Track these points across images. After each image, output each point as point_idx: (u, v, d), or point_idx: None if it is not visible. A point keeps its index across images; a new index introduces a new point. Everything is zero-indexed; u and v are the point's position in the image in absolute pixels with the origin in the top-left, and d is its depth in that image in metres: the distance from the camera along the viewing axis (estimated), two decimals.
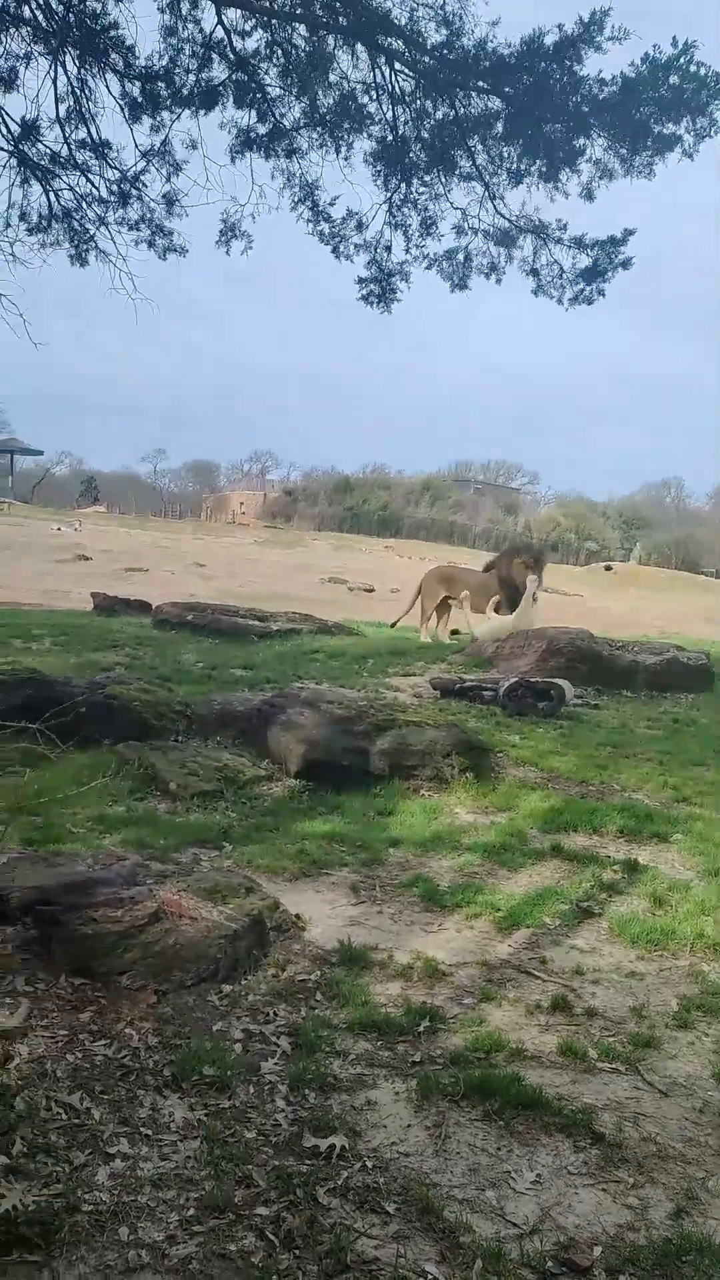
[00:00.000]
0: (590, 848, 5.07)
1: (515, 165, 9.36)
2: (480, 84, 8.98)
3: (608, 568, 44.72)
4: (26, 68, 9.53)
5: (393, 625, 13.60)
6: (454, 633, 12.95)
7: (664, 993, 3.59)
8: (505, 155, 9.41)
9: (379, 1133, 2.69)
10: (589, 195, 9.26)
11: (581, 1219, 2.40)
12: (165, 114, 9.55)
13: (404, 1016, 3.27)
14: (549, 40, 8.51)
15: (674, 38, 8.75)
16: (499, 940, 3.96)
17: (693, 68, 8.83)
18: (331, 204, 10.38)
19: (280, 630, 11.55)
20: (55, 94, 9.45)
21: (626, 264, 9.68)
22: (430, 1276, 2.17)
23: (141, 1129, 2.63)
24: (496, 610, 11.58)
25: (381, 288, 10.61)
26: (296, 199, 10.32)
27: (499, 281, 10.48)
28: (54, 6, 9.06)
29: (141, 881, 3.75)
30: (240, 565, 30.02)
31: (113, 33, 9.26)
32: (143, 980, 3.30)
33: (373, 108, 9.60)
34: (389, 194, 10.04)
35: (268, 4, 9.08)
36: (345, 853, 4.82)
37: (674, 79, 8.71)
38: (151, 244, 10.51)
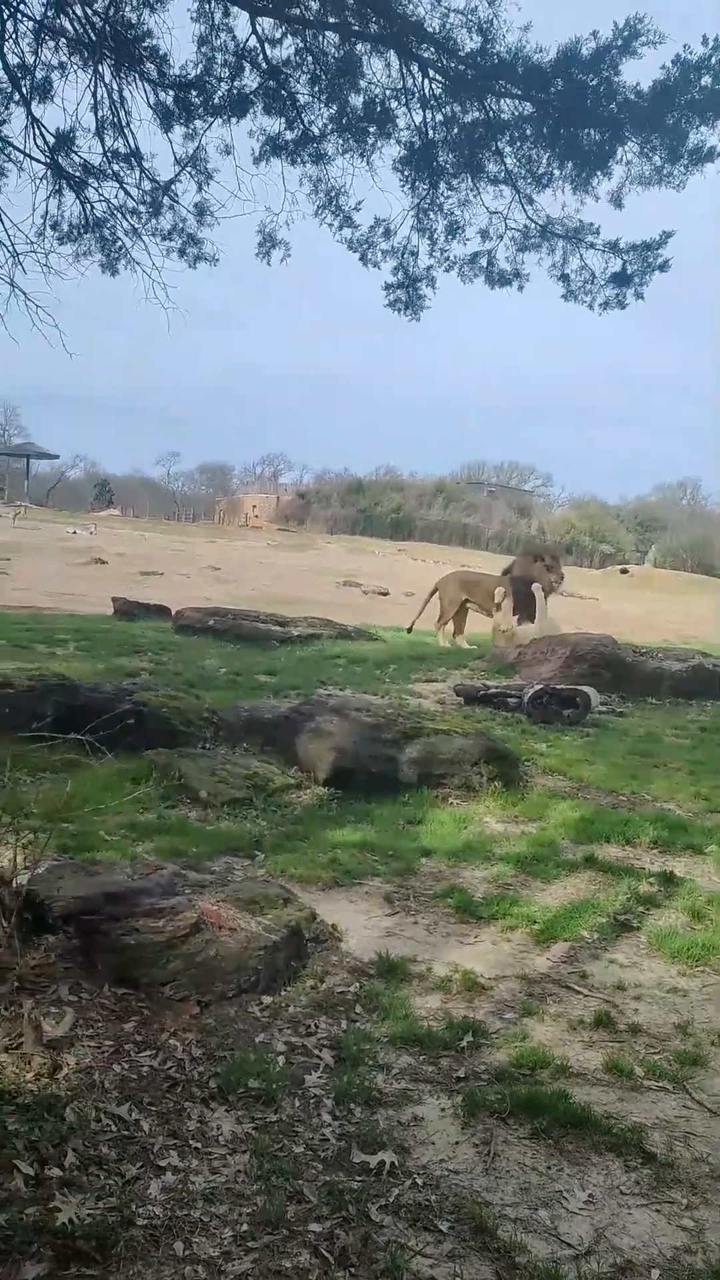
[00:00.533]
0: (624, 859, 5.05)
1: (546, 170, 9.32)
2: (513, 89, 8.96)
3: (624, 570, 44.61)
4: (63, 78, 9.59)
5: (409, 630, 13.58)
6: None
7: (708, 1009, 3.56)
8: (535, 160, 9.38)
9: (427, 1149, 2.68)
10: (618, 202, 9.23)
11: (636, 1240, 2.39)
12: (199, 122, 9.60)
13: (446, 1030, 3.26)
14: (585, 50, 8.47)
15: (704, 36, 8.66)
16: (537, 953, 3.94)
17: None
18: (357, 208, 10.39)
19: (301, 635, 11.55)
20: (94, 103, 9.50)
21: (664, 267, 9.61)
22: None
23: (191, 1141, 2.63)
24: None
25: (409, 294, 10.60)
26: (321, 204, 10.33)
27: (520, 289, 10.48)
28: (92, 18, 9.09)
29: (180, 891, 3.75)
30: (254, 569, 30.06)
31: (147, 42, 9.29)
32: (185, 991, 3.30)
33: (401, 113, 9.62)
34: (417, 199, 10.03)
35: (300, 13, 9.08)
36: (377, 862, 4.81)
37: (706, 79, 8.65)
38: (183, 253, 10.53)
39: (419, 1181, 2.54)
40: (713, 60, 8.40)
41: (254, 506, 69.09)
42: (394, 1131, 2.74)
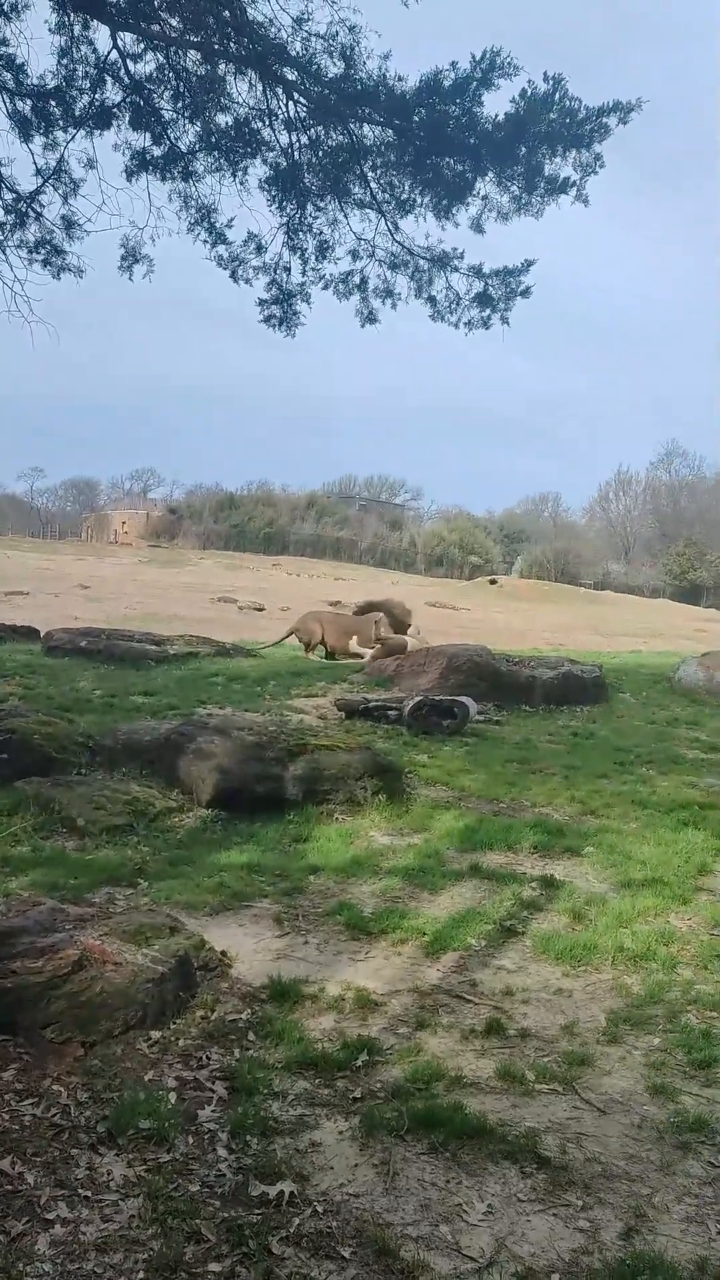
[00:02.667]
0: (507, 865, 5.14)
1: (409, 195, 9.51)
2: (373, 115, 9.10)
3: (492, 581, 45.61)
4: None
5: (278, 643, 13.85)
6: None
7: (592, 1008, 3.65)
8: (398, 185, 9.55)
9: (327, 1175, 2.65)
10: (479, 228, 9.50)
11: (536, 1246, 2.41)
12: (59, 133, 9.39)
13: (341, 1051, 3.24)
14: (446, 81, 8.67)
15: (544, 72, 9.05)
16: (428, 965, 3.96)
17: (568, 102, 9.15)
18: (230, 225, 10.35)
19: (178, 654, 11.36)
20: None
21: (525, 293, 9.94)
22: None
23: (80, 1190, 2.53)
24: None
25: (284, 310, 10.60)
26: (193, 221, 10.25)
27: (394, 307, 10.62)
28: None
29: (60, 928, 3.61)
30: (126, 586, 29.43)
31: (2, 50, 9.03)
32: (69, 1032, 3.18)
33: (267, 134, 9.62)
34: (284, 219, 10.05)
35: (161, 29, 8.99)
36: (265, 883, 4.76)
37: (553, 114, 9.00)
38: (47, 264, 10.25)
39: (319, 1209, 2.50)
40: (556, 96, 8.75)
41: (124, 523, 67.69)
42: (292, 1160, 2.70)
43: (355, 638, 13.00)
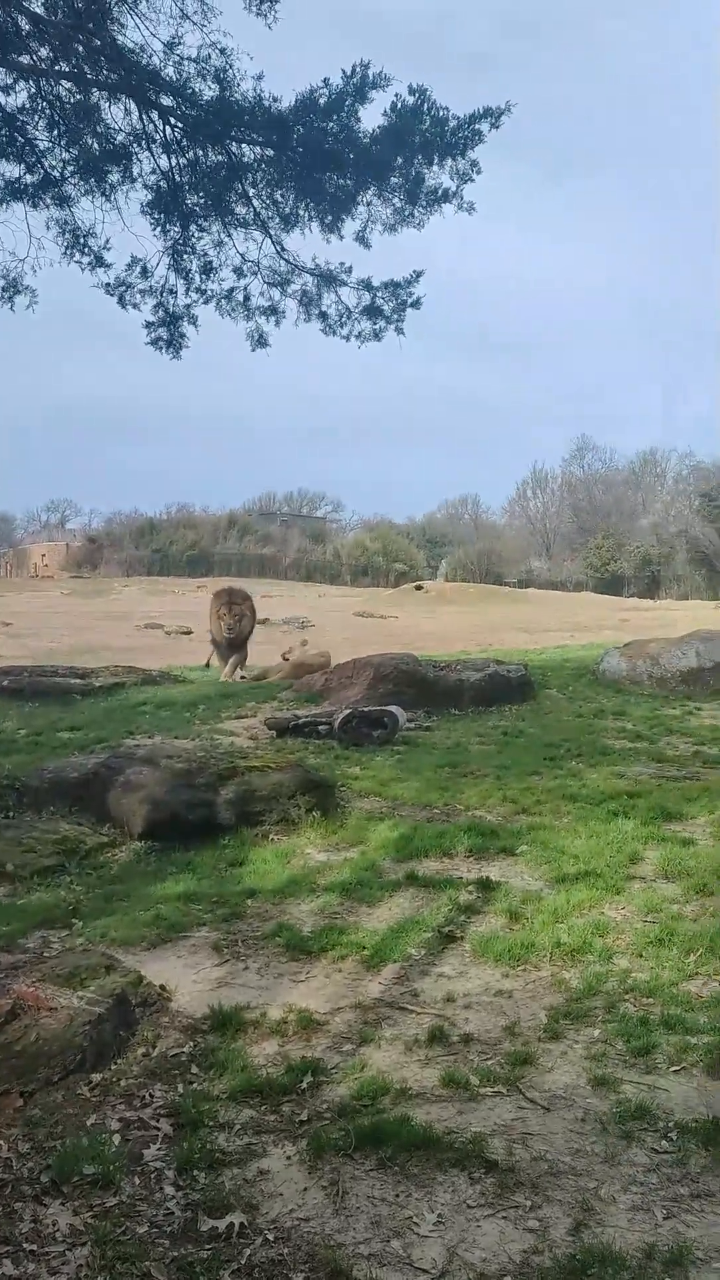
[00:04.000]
0: (443, 871, 5.17)
1: (292, 211, 9.59)
2: (253, 136, 9.16)
3: (418, 587, 45.88)
4: None
5: (206, 665, 13.79)
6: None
7: (532, 1007, 3.70)
8: (280, 202, 9.62)
9: (276, 1202, 2.64)
10: (365, 243, 9.62)
11: (487, 1251, 2.43)
12: None
13: (285, 1075, 3.23)
14: (320, 98, 8.77)
15: (410, 84, 9.23)
16: (369, 979, 3.97)
17: (437, 111, 9.30)
18: (107, 247, 10.30)
19: (104, 685, 11.21)
20: None
21: (416, 304, 10.09)
22: None
23: (25, 1244, 2.48)
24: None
25: (170, 332, 10.58)
26: (69, 244, 10.17)
27: (278, 324, 10.69)
28: None
29: None
30: (49, 620, 28.94)
31: None
32: (6, 1083, 3.12)
33: (145, 158, 9.62)
34: (168, 241, 10.05)
35: (31, 60, 8.93)
36: (202, 911, 4.72)
37: (425, 124, 9.16)
38: None
39: (270, 1237, 2.49)
40: (424, 106, 8.91)
41: (43, 556, 66.58)
42: (241, 1190, 2.68)
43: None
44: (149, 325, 10.78)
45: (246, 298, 10.46)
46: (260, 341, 10.68)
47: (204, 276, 10.31)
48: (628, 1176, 2.73)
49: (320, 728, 8.35)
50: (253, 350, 10.76)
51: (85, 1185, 2.69)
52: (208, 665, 13.82)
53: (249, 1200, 2.63)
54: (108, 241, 10.29)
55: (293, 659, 12.88)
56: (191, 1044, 3.48)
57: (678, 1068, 3.26)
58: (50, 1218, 2.58)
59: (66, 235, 10.06)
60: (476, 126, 9.16)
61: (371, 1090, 3.11)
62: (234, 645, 12.90)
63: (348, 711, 8.36)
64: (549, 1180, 2.71)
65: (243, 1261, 2.40)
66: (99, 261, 10.36)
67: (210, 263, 10.18)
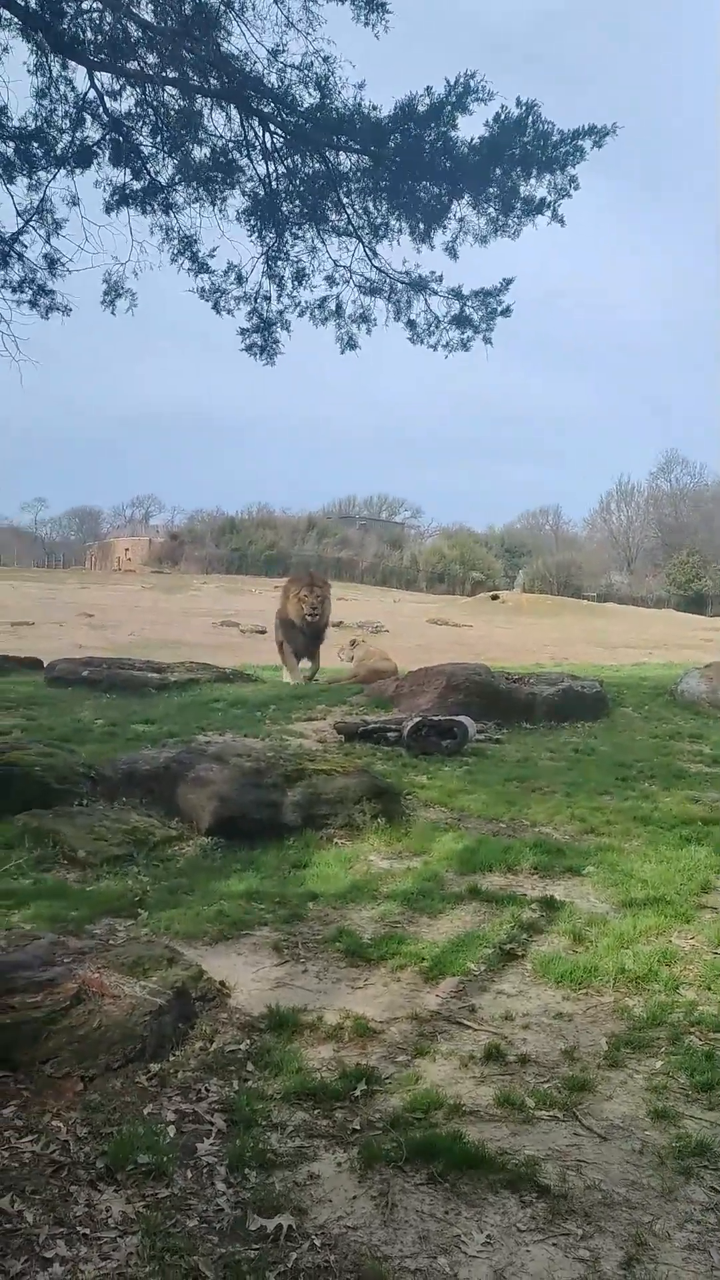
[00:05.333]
0: (506, 887, 5.12)
1: (385, 220, 9.64)
2: (349, 143, 9.23)
3: (494, 596, 45.64)
4: None
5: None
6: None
7: (593, 1032, 3.64)
8: (374, 211, 9.68)
9: (325, 1208, 2.64)
10: (453, 253, 9.64)
11: (535, 1277, 2.40)
12: (41, 174, 9.52)
13: (339, 1081, 3.23)
14: (421, 106, 8.81)
15: (518, 98, 9.18)
16: (426, 991, 3.95)
17: (541, 125, 9.25)
18: (212, 255, 10.47)
19: (179, 681, 11.37)
20: None
21: (506, 312, 10.05)
22: None
23: (79, 1228, 2.53)
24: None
25: (264, 339, 10.71)
26: (175, 252, 10.36)
27: (369, 332, 10.73)
28: None
29: (59, 961, 3.62)
30: (130, 613, 29.52)
31: None
32: (67, 1067, 3.18)
33: (245, 165, 9.75)
34: (263, 248, 10.19)
35: (138, 66, 9.14)
36: (264, 910, 4.75)
37: (528, 137, 9.11)
38: (34, 304, 10.36)
39: (317, 1242, 2.50)
40: (529, 120, 8.85)
41: (126, 550, 67.94)
42: (291, 1193, 2.69)
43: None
44: (243, 332, 10.93)
45: (339, 306, 10.55)
46: (350, 344, 10.74)
47: (296, 283, 10.43)
48: (684, 1214, 2.67)
49: (389, 734, 8.34)
50: (342, 352, 10.83)
51: (139, 1174, 2.73)
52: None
53: (298, 1204, 2.64)
54: (214, 250, 10.50)
55: (367, 664, 12.73)
56: (248, 1041, 3.51)
57: None
58: (104, 1204, 2.62)
59: (173, 241, 10.28)
60: (579, 143, 9.10)
61: (425, 1104, 3.10)
62: (310, 636, 12.11)
63: (417, 719, 8.33)
64: (602, 1210, 2.66)
65: (289, 1265, 2.41)
66: (203, 268, 10.54)
67: (303, 269, 10.29)
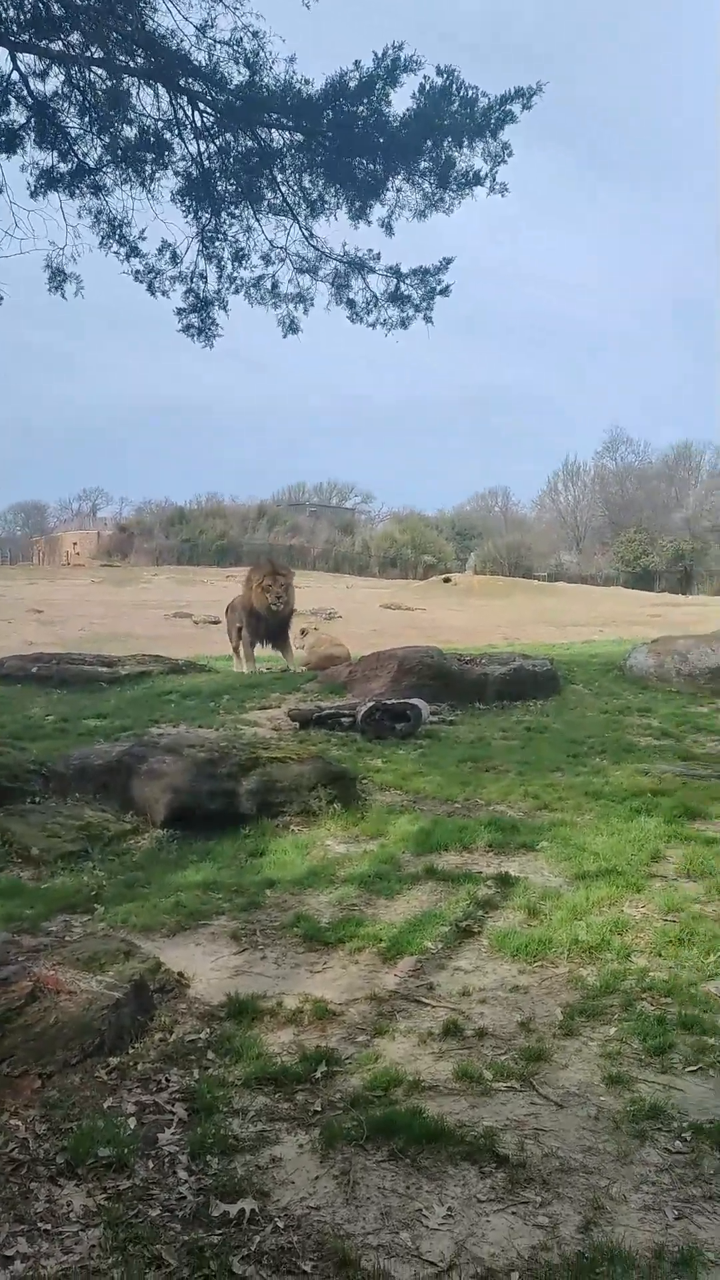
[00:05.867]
0: (462, 865, 5.17)
1: (319, 197, 9.56)
2: (281, 120, 9.13)
3: (446, 579, 45.82)
4: None
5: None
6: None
7: (548, 1003, 3.69)
8: (309, 188, 9.60)
9: (287, 1189, 2.66)
10: (389, 229, 9.59)
11: (496, 1246, 2.44)
12: None
13: (300, 1064, 3.25)
14: (351, 81, 8.74)
15: (438, 65, 9.10)
16: (385, 971, 3.98)
17: (465, 92, 9.21)
18: (143, 237, 10.32)
19: (131, 674, 11.30)
20: None
21: (446, 291, 10.03)
22: None
23: (39, 1224, 2.52)
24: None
25: (201, 319, 10.60)
26: (105, 234, 10.21)
27: (306, 311, 10.67)
28: None
29: (13, 959, 3.58)
30: (80, 608, 29.17)
31: None
32: (24, 1065, 3.16)
33: (177, 144, 9.62)
34: (198, 228, 10.07)
35: (62, 47, 8.95)
36: (221, 900, 4.75)
37: (455, 105, 9.07)
38: None
39: (280, 1224, 2.51)
40: (453, 88, 8.82)
41: (74, 544, 66.97)
42: (253, 1177, 2.70)
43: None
44: (180, 312, 10.81)
45: (275, 285, 10.47)
46: (291, 328, 10.67)
47: (235, 263, 10.32)
48: (640, 1176, 2.73)
49: (343, 719, 8.36)
50: (284, 336, 10.75)
51: (100, 1167, 2.72)
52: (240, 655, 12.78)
53: (261, 1187, 2.66)
54: (143, 231, 10.34)
55: (319, 651, 12.78)
56: (208, 1030, 3.51)
57: (694, 1068, 3.25)
58: (65, 1198, 2.61)
59: (102, 224, 10.12)
60: (508, 107, 9.07)
61: (385, 1082, 3.13)
62: (276, 625, 12.00)
63: (371, 704, 8.37)
64: (560, 1177, 2.71)
65: (252, 1248, 2.42)
66: (134, 251, 10.40)
67: (240, 249, 10.19)
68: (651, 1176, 2.72)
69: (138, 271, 10.43)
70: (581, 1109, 3.03)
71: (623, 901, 4.62)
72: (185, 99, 9.33)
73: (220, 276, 10.46)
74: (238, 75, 9.19)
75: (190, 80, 9.21)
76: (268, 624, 12.07)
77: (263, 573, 12.14)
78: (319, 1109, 3.01)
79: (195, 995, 3.80)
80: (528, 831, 5.64)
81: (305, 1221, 2.53)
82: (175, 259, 10.43)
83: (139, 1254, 2.40)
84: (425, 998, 3.75)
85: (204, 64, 9.16)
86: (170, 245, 10.41)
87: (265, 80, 9.04)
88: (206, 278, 10.54)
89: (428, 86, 8.83)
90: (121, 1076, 3.21)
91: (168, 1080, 3.20)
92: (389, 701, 8.49)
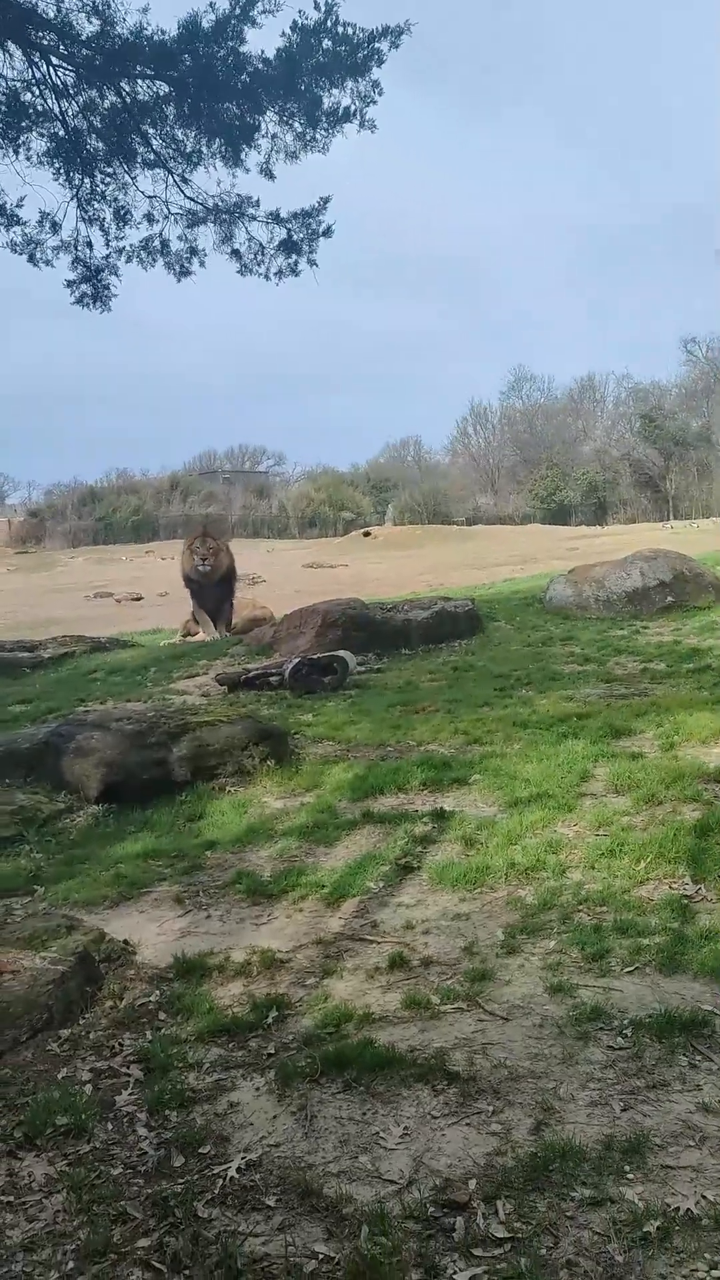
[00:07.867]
0: (398, 807, 5.24)
1: (193, 148, 9.34)
2: (143, 70, 8.86)
3: (366, 534, 45.85)
4: None
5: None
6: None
7: (489, 926, 3.79)
8: (181, 139, 9.37)
9: (247, 1132, 2.70)
10: (269, 173, 9.40)
11: (452, 1158, 2.52)
12: None
13: (251, 1013, 3.29)
14: (205, 22, 8.51)
15: (316, 1, 8.90)
16: (329, 915, 4.04)
17: (341, 29, 9.05)
18: (19, 205, 9.96)
19: (53, 656, 11.12)
20: None
21: (328, 232, 9.91)
22: (321, 1255, 2.21)
23: (2, 1197, 2.52)
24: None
25: (94, 287, 10.33)
26: None
27: (203, 264, 10.44)
28: None
29: None
30: None
31: None
32: None
33: (39, 104, 9.27)
34: (73, 190, 9.76)
35: None
36: (162, 866, 4.75)
37: (326, 43, 8.92)
38: None
39: (241, 1164, 2.55)
40: (328, 24, 8.66)
41: None
42: (212, 1124, 2.74)
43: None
44: (70, 284, 10.52)
45: (165, 244, 10.23)
46: (183, 271, 10.40)
47: (119, 224, 10.05)
48: (585, 1075, 2.83)
49: (272, 679, 8.36)
50: (178, 280, 10.48)
51: (59, 1136, 2.73)
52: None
53: (220, 1133, 2.69)
54: (21, 199, 9.98)
55: (244, 614, 12.74)
56: (158, 993, 3.53)
57: (631, 969, 3.37)
58: (25, 1170, 2.62)
59: None
60: (376, 45, 8.94)
61: (335, 1018, 3.19)
62: (212, 589, 11.82)
63: (297, 660, 8.38)
64: (509, 1085, 2.80)
65: (215, 1191, 2.46)
66: (13, 220, 10.04)
67: (121, 208, 9.91)
68: (597, 1074, 2.83)
69: (14, 243, 10.11)
70: (526, 1020, 3.12)
71: (555, 822, 4.74)
72: (38, 55, 8.98)
73: (107, 240, 10.18)
74: (89, 26, 8.89)
75: (41, 34, 8.87)
76: (203, 589, 11.91)
77: (193, 535, 12.16)
78: (273, 1051, 3.06)
79: (143, 961, 3.81)
80: (460, 767, 5.73)
81: (267, 1159, 2.57)
82: (55, 227, 10.13)
83: (104, 1212, 2.42)
84: (370, 935, 3.82)
85: (53, 17, 8.83)
86: (48, 214, 10.09)
87: (120, 31, 8.75)
88: (92, 244, 10.25)
89: (300, 23, 8.66)
90: (74, 1047, 3.21)
91: (121, 1045, 3.21)
92: (315, 656, 8.51)
